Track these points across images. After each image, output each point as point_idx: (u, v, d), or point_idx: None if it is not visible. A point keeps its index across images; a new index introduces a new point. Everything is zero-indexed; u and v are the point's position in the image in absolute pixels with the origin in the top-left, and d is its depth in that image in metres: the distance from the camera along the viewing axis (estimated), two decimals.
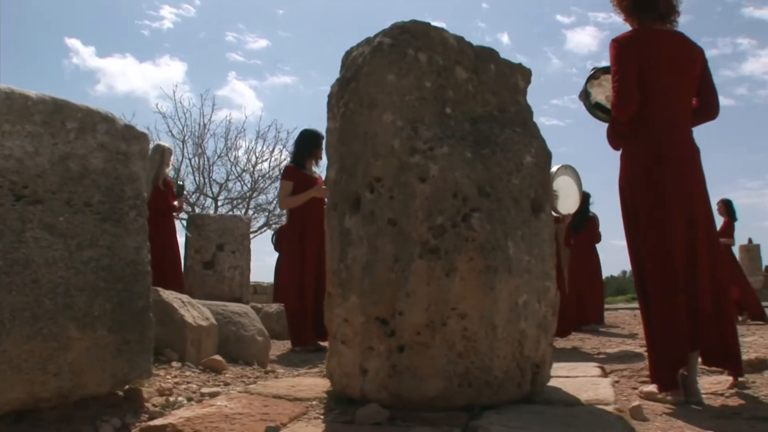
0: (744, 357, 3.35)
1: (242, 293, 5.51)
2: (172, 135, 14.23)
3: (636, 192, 2.50)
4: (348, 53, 2.06)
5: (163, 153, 4.87)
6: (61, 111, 1.80)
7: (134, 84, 27.17)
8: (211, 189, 14.52)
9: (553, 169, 4.63)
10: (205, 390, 2.16)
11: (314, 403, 1.99)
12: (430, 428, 1.64)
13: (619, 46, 2.48)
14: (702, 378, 2.88)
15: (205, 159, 14.48)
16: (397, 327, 1.75)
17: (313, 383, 2.19)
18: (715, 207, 7.45)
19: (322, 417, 1.83)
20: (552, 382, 2.09)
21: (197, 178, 14.40)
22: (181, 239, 5.20)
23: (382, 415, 1.73)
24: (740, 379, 2.92)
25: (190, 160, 14.39)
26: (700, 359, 2.57)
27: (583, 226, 6.36)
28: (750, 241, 14.13)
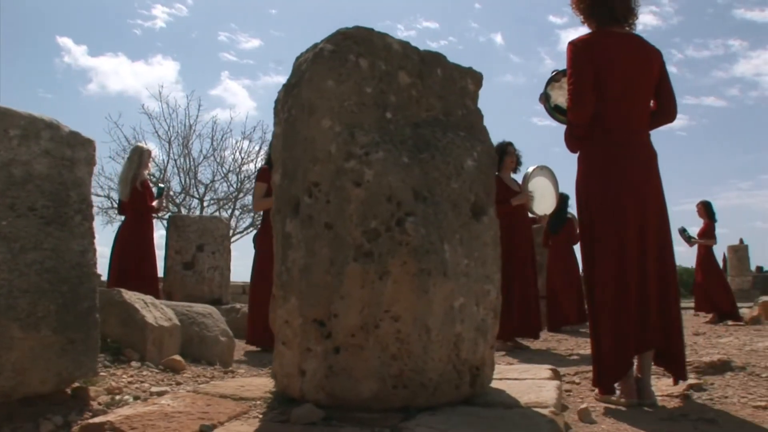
0: (707, 359, 3.38)
1: (222, 294, 5.56)
2: (158, 135, 14.16)
3: (590, 194, 2.52)
4: (297, 59, 2.09)
5: (141, 154, 4.91)
6: (3, 119, 1.84)
7: (127, 83, 27.25)
8: (197, 190, 14.51)
9: (529, 170, 4.66)
10: (154, 389, 2.20)
11: (258, 402, 2.02)
12: (360, 428, 1.66)
13: (575, 49, 2.50)
14: (661, 380, 2.91)
15: (191, 159, 14.40)
16: (333, 329, 1.78)
17: (262, 383, 2.22)
18: (695, 209, 7.55)
19: (261, 416, 1.86)
20: (500, 384, 2.11)
21: (183, 179, 14.36)
22: (163, 240, 5.27)
23: (316, 414, 1.76)
24: (700, 380, 2.96)
25: (175, 160, 14.33)
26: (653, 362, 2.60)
27: (561, 227, 6.39)
28: (741, 241, 14.16)
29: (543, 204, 4.43)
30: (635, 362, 2.52)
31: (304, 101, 1.91)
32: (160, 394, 2.11)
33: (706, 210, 7.47)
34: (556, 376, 2.30)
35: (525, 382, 2.15)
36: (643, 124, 2.58)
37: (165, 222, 5.12)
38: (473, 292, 1.85)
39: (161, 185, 5.36)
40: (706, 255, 7.36)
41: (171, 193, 10.50)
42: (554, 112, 2.81)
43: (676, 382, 2.63)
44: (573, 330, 6.07)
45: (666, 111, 2.66)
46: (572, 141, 2.62)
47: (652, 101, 2.65)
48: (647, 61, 2.55)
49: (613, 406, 2.47)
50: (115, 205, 11.64)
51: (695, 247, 7.44)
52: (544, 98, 2.86)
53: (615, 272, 2.42)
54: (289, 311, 1.89)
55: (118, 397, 2.04)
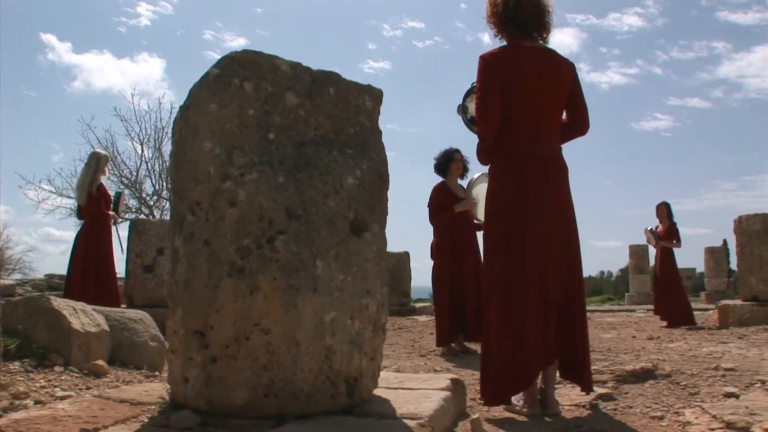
0: (629, 367, 3.44)
1: None
2: (130, 138, 14.01)
3: (496, 207, 2.56)
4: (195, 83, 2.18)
5: (98, 160, 5.01)
6: None
7: (112, 81, 27.32)
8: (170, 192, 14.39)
9: (474, 176, 4.74)
10: (60, 393, 2.29)
11: (153, 407, 2.12)
12: None
13: (485, 63, 2.54)
14: (575, 389, 2.96)
15: (163, 161, 14.26)
16: (210, 340, 1.88)
17: (165, 388, 2.32)
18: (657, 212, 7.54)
19: (146, 421, 1.97)
20: (390, 394, 2.19)
21: (155, 182, 14.28)
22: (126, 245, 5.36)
23: (192, 420, 1.86)
24: (615, 389, 3.02)
25: (147, 163, 14.26)
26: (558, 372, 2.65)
27: None
28: (724, 242, 14.21)
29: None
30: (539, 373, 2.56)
31: (191, 124, 2.00)
32: (64, 398, 2.21)
33: (668, 211, 7.49)
34: (455, 386, 2.36)
35: (416, 392, 2.24)
36: (553, 138, 2.59)
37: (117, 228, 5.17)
38: (348, 307, 1.94)
39: (117, 191, 5.46)
40: (669, 259, 7.38)
41: (144, 195, 10.56)
42: (471, 124, 2.87)
43: (586, 392, 2.66)
44: None
45: (577, 124, 2.68)
46: (482, 154, 2.67)
47: (564, 115, 2.68)
48: (557, 75, 2.57)
49: (514, 416, 2.52)
50: None
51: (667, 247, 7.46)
52: (462, 110, 2.91)
53: (517, 286, 2.45)
54: (176, 322, 1.99)
55: (18, 402, 2.14)
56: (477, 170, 4.83)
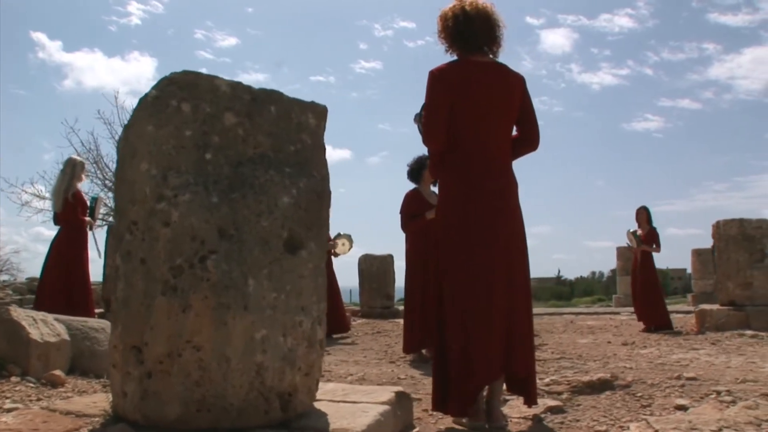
0: (586, 378, 3.46)
1: None
2: (114, 141, 13.37)
3: (445, 221, 2.59)
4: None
5: (74, 166, 5.05)
6: None
7: (103, 79, 27.32)
8: None
9: None
10: (7, 405, 2.34)
11: (97, 419, 2.17)
12: None
13: (433, 78, 2.55)
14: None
15: None
16: (146, 355, 1.93)
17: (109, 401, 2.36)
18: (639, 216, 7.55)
19: None
20: (331, 407, 2.21)
21: None
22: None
23: None
24: (569, 401, 3.05)
25: None
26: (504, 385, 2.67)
27: None
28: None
29: None
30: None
31: (130, 144, 2.05)
32: (10, 410, 2.25)
33: (648, 216, 7.50)
34: (399, 399, 2.38)
35: (357, 405, 2.28)
36: (500, 153, 2.59)
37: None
38: (281, 324, 1.98)
39: (93, 196, 5.51)
40: (648, 263, 7.41)
41: (107, 204, 10.49)
42: None
43: (529, 405, 2.67)
44: None
45: (527, 139, 2.69)
46: (432, 168, 2.70)
47: (515, 129, 2.69)
48: (506, 89, 2.57)
49: (462, 429, 2.56)
50: None
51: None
52: (418, 119, 2.94)
53: (464, 301, 2.46)
54: (116, 337, 2.04)
55: None
56: None
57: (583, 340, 6.17)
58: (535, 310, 12.92)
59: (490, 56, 2.63)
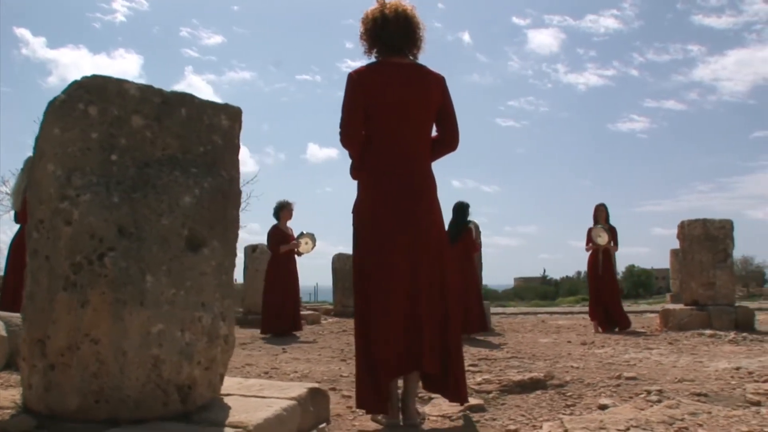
0: (517, 377, 3.52)
1: None
2: None
3: (359, 220, 2.65)
4: None
5: None
6: None
7: None
8: None
9: None
10: None
11: (8, 411, 2.24)
12: None
13: (349, 80, 2.61)
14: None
15: None
16: (48, 349, 2.01)
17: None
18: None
19: None
20: (238, 402, 2.26)
21: None
22: None
23: (29, 423, 1.99)
24: (493, 400, 3.11)
25: None
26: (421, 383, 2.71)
27: (459, 237, 6.55)
28: None
29: None
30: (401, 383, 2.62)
31: (39, 146, 2.14)
32: None
33: (607, 214, 7.52)
34: (312, 396, 2.43)
35: (266, 400, 2.34)
36: (418, 153, 2.63)
37: None
38: (178, 319, 2.06)
39: None
40: (610, 262, 7.44)
41: None
42: None
43: (460, 404, 2.73)
44: (470, 339, 6.26)
45: (446, 140, 2.73)
46: (351, 170, 2.77)
47: (435, 130, 2.73)
48: (423, 91, 2.61)
49: (377, 426, 2.61)
50: None
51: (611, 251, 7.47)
52: None
53: (379, 297, 2.52)
54: (25, 331, 2.12)
55: None
56: None
57: (544, 339, 6.25)
58: (511, 310, 13.00)
59: (410, 58, 2.68)
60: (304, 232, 7.05)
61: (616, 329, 7.05)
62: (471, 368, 4.03)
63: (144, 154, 2.17)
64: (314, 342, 6.18)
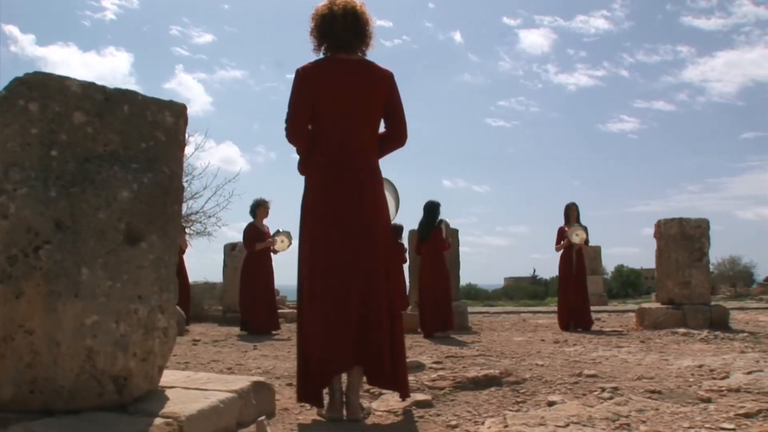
0: (471, 374, 3.53)
1: None
2: None
3: (303, 214, 2.68)
4: None
5: None
6: None
7: (78, 74, 27.36)
8: None
9: None
10: None
11: None
12: None
13: (297, 76, 2.63)
14: (396, 395, 2.94)
15: None
16: None
17: None
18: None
19: None
20: (179, 393, 2.31)
21: None
22: None
23: None
24: (438, 396, 3.11)
25: None
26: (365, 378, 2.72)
27: (430, 234, 6.59)
28: None
29: None
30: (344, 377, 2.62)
31: None
32: None
33: (578, 213, 7.53)
34: (255, 389, 2.46)
35: (206, 392, 2.38)
36: (364, 149, 2.65)
37: None
38: (113, 311, 2.10)
39: None
40: (582, 261, 7.45)
41: None
42: None
43: (403, 399, 2.74)
44: (444, 336, 6.30)
45: (394, 136, 2.75)
46: (299, 166, 2.80)
47: (384, 126, 2.74)
48: (370, 87, 2.63)
49: (319, 420, 2.63)
50: None
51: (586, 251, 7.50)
52: None
53: (322, 293, 2.54)
54: None
55: None
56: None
57: (519, 338, 6.29)
58: (494, 309, 12.98)
59: (359, 54, 2.70)
60: (281, 230, 7.09)
61: (579, 329, 7.09)
62: (434, 365, 4.07)
63: (85, 149, 2.21)
64: (288, 340, 6.21)
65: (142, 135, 2.32)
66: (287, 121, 2.63)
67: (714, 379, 3.70)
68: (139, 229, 2.20)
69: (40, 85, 2.18)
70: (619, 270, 33.81)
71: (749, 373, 3.77)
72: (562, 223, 7.63)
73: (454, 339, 6.20)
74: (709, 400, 3.10)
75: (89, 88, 2.25)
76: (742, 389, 3.33)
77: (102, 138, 2.24)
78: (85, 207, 2.10)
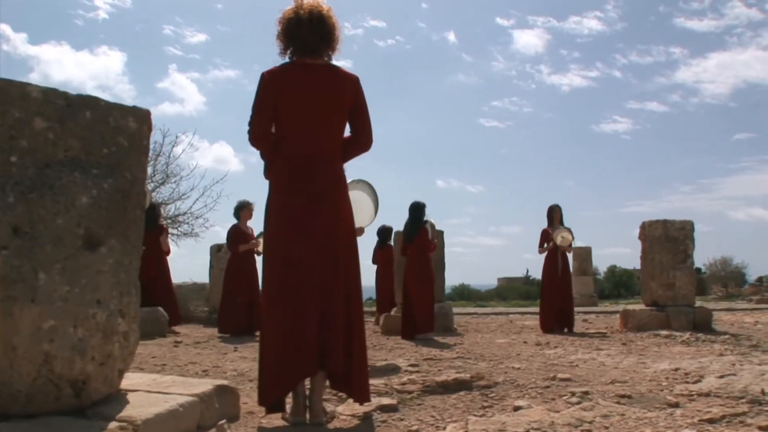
0: (441, 378, 3.51)
1: None
2: None
3: (267, 219, 2.69)
4: None
5: None
6: None
7: (70, 73, 27.27)
8: None
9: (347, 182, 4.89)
10: None
11: None
12: None
13: (261, 80, 2.63)
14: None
15: None
16: None
17: None
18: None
19: None
20: (142, 397, 2.31)
21: None
22: None
23: None
24: (405, 401, 3.11)
25: None
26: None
27: (415, 235, 6.60)
28: None
29: (358, 217, 4.60)
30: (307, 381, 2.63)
31: None
32: None
33: (561, 215, 7.52)
34: (218, 392, 2.46)
35: (167, 395, 2.39)
36: (328, 154, 2.66)
37: None
38: (71, 316, 2.11)
39: None
40: (567, 264, 7.46)
41: None
42: None
43: (360, 403, 2.73)
44: (426, 339, 6.31)
45: (359, 141, 2.76)
46: (264, 169, 2.81)
47: (349, 130, 2.74)
48: (335, 92, 2.63)
49: (282, 423, 2.64)
50: None
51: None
52: None
53: (276, 299, 2.56)
54: None
55: None
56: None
57: (502, 340, 6.31)
58: (483, 310, 12.95)
59: (325, 59, 2.70)
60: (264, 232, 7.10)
61: (566, 330, 7.10)
62: (410, 368, 4.08)
63: (45, 155, 2.22)
64: None
65: (104, 141, 2.33)
66: (250, 124, 2.64)
67: (687, 383, 3.71)
68: (99, 235, 2.22)
69: (1, 91, 2.20)
70: (612, 270, 33.84)
71: (722, 377, 3.79)
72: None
73: (436, 341, 6.21)
74: (676, 405, 3.11)
75: (50, 94, 2.27)
76: (712, 393, 3.35)
77: (63, 144, 2.25)
78: (43, 213, 2.11)
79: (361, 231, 5.42)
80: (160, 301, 7.10)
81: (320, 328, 2.55)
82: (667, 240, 6.87)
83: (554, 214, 7.47)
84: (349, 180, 4.89)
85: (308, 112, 2.61)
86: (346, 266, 2.67)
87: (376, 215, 4.69)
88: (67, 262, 2.13)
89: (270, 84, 2.61)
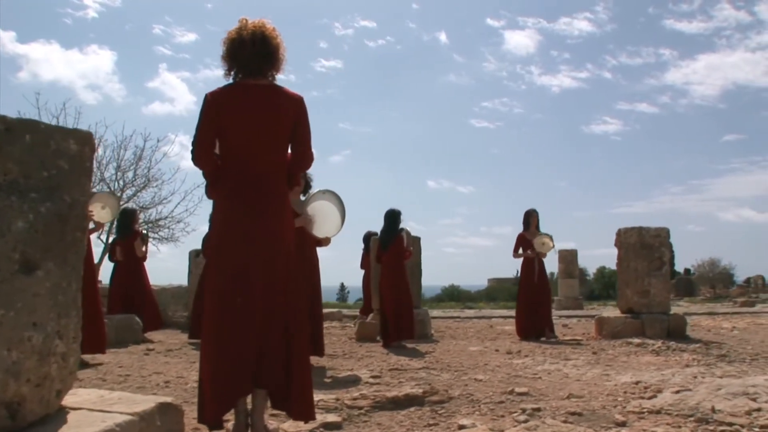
0: (392, 394, 3.51)
1: None
2: None
3: (212, 240, 2.73)
4: None
5: None
6: None
7: (60, 72, 27.16)
8: None
9: (310, 193, 4.95)
10: None
11: None
12: None
13: (205, 102, 2.65)
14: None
15: None
16: None
17: None
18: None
19: None
20: (82, 416, 2.32)
21: None
22: None
23: None
24: (351, 417, 3.12)
25: None
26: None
27: (391, 243, 6.63)
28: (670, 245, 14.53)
29: (325, 227, 4.64)
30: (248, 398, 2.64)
31: None
32: None
33: (538, 220, 7.50)
34: (160, 410, 2.48)
35: (107, 414, 2.40)
36: (269, 174, 2.67)
37: None
38: (5, 339, 2.14)
39: None
40: (544, 269, 7.47)
41: None
42: None
43: (305, 422, 2.72)
44: (399, 346, 6.32)
45: (297, 160, 2.78)
46: (206, 189, 2.84)
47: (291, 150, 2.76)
48: (276, 112, 2.65)
49: None
50: None
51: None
52: None
53: (215, 318, 2.57)
54: None
55: None
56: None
57: (474, 347, 6.33)
58: (466, 314, 12.94)
59: (269, 79, 2.72)
60: None
61: (543, 338, 7.12)
62: (371, 380, 4.11)
63: None
64: None
65: (43, 164, 2.35)
66: (193, 144, 2.66)
67: (642, 398, 3.74)
68: (35, 258, 2.24)
69: None
70: (601, 271, 33.89)
71: (678, 392, 3.81)
72: (541, 224, 7.58)
73: (409, 349, 6.23)
74: (623, 424, 3.13)
75: None
76: (663, 411, 3.38)
77: (1, 168, 2.28)
78: None
79: (327, 241, 5.45)
80: (139, 307, 7.10)
81: (258, 346, 2.57)
82: (643, 247, 6.90)
83: (531, 219, 7.46)
84: (315, 191, 4.95)
85: (251, 133, 2.64)
86: (286, 282, 2.67)
87: (343, 225, 4.72)
88: (2, 286, 2.15)
89: (213, 105, 2.64)
